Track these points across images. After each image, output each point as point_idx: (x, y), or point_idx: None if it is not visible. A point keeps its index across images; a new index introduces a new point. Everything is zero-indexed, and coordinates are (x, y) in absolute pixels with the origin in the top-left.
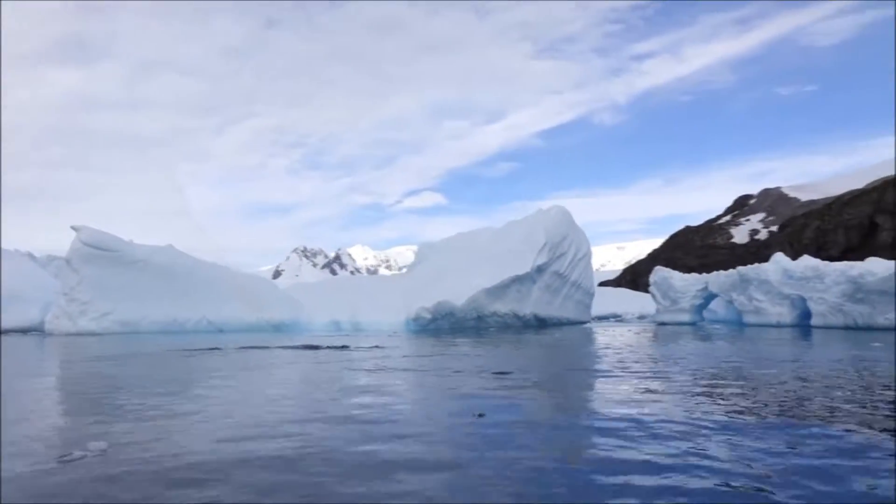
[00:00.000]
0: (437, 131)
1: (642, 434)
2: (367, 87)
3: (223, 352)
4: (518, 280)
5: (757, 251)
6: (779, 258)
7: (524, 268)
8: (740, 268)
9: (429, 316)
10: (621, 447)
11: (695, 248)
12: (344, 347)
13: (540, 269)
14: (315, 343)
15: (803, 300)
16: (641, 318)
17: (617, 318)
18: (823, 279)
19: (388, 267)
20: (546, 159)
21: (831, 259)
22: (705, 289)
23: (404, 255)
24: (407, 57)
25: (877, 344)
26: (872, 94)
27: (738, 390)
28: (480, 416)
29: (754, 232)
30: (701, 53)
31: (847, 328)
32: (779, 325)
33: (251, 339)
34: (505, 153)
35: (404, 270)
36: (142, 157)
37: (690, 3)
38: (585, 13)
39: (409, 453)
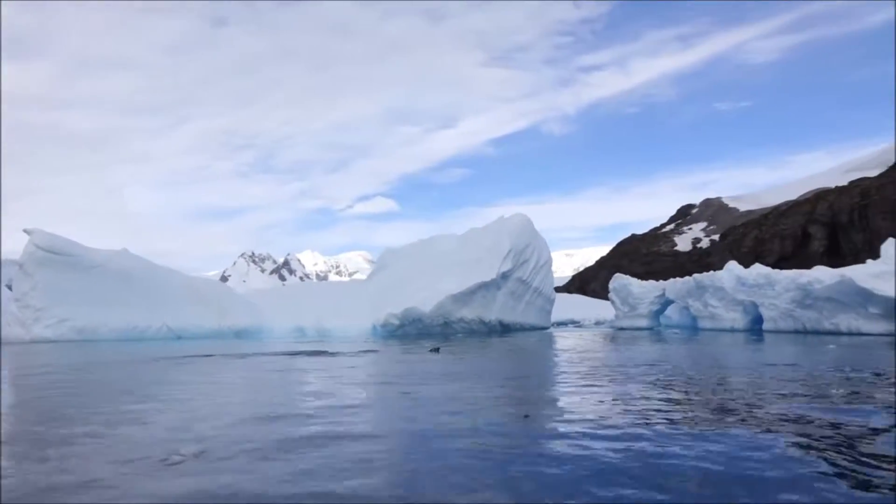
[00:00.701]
0: (390, 136)
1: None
2: (318, 88)
3: (224, 359)
4: (484, 286)
5: (699, 259)
6: (732, 266)
7: (490, 274)
8: (696, 275)
9: (396, 322)
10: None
11: (640, 255)
12: (336, 354)
13: (504, 276)
14: (300, 349)
15: (755, 306)
16: (599, 323)
17: (575, 323)
18: (774, 286)
19: (339, 273)
20: (497, 166)
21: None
22: (662, 295)
23: (354, 260)
24: (359, 59)
25: (831, 346)
26: (803, 110)
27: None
28: (526, 416)
29: (697, 240)
30: (646, 67)
31: (797, 332)
32: (732, 330)
33: (229, 346)
34: (457, 159)
35: (357, 276)
36: (77, 156)
37: (637, 19)
38: (536, 24)
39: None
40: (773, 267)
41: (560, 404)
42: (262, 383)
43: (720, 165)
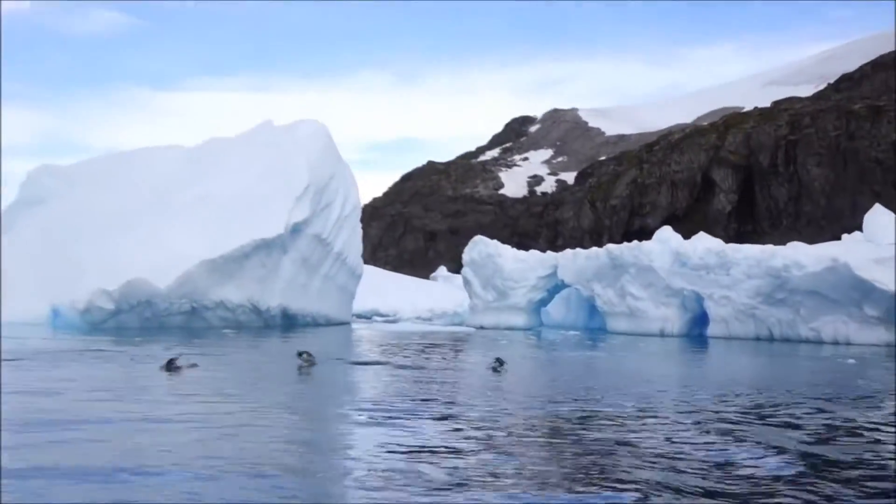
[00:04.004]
0: None
1: None
2: None
3: None
4: (263, 248)
5: (542, 213)
6: (666, 235)
7: (274, 226)
8: (612, 246)
9: (111, 306)
10: None
11: (442, 199)
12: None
13: (296, 231)
14: None
15: (699, 299)
16: (432, 318)
17: (384, 316)
18: (730, 269)
19: None
20: (185, 19)
21: (645, 231)
22: (552, 275)
23: None
24: None
25: (850, 361)
26: None
27: None
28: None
29: (536, 180)
30: None
31: (757, 339)
32: (662, 335)
33: None
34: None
35: None
36: None
37: None
38: None
39: None
40: (653, 231)
41: None
42: None
43: (575, 54)
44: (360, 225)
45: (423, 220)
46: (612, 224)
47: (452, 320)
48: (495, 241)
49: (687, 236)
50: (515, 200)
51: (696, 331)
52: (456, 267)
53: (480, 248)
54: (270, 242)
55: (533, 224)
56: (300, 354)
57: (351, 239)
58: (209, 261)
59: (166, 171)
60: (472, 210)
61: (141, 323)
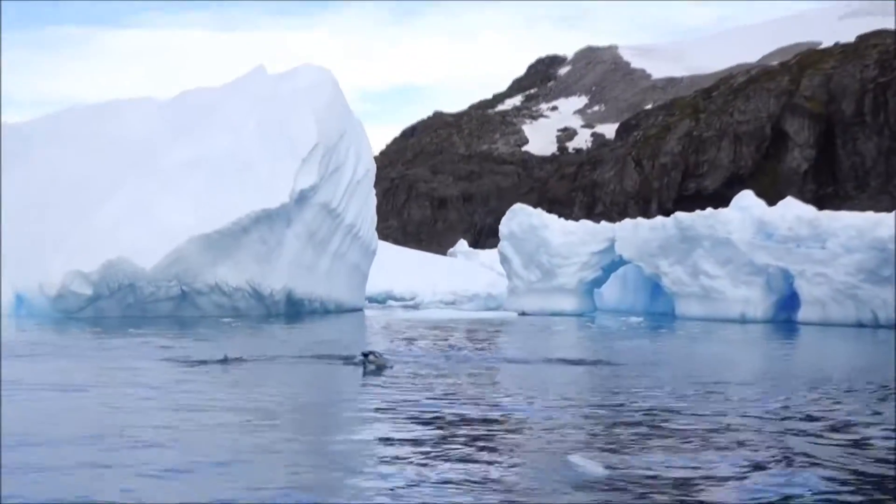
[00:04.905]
0: None
1: None
2: None
3: None
4: (265, 220)
5: (575, 174)
6: (747, 202)
7: (277, 194)
8: (682, 216)
9: (88, 291)
10: None
11: (453, 159)
12: None
13: (302, 200)
14: None
15: (788, 277)
16: (456, 302)
17: (400, 301)
18: (826, 241)
19: None
20: None
21: (702, 195)
22: (608, 250)
23: None
24: None
25: None
26: None
27: None
28: None
29: (567, 134)
30: None
31: (860, 325)
32: (743, 321)
33: None
34: None
35: None
36: None
37: None
38: None
39: None
40: (712, 196)
41: None
42: None
43: None
44: (373, 191)
45: (430, 184)
46: (661, 187)
47: (486, 304)
48: (538, 210)
49: None
50: (543, 159)
51: (784, 315)
52: (473, 240)
53: (521, 218)
54: (273, 214)
55: (565, 188)
56: (366, 356)
57: (364, 209)
58: (202, 236)
59: (142, 130)
60: (490, 171)
61: (123, 310)
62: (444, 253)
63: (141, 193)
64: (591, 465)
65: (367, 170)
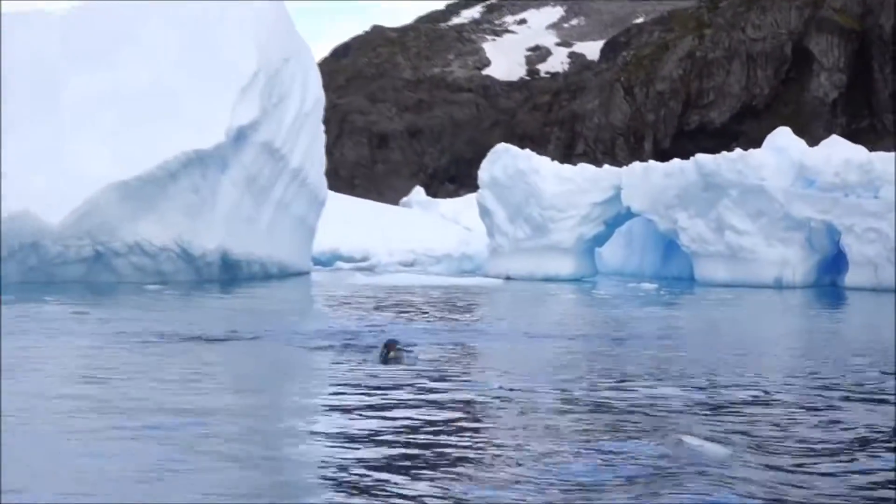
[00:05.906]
0: None
1: None
2: None
3: None
4: (196, 164)
5: (550, 105)
6: (783, 140)
7: (210, 132)
8: (704, 158)
9: None
10: None
11: (397, 85)
12: None
13: (240, 138)
14: None
15: (833, 233)
16: (416, 263)
17: (354, 264)
18: (879, 190)
19: None
20: None
21: (706, 130)
22: (612, 200)
23: None
24: None
25: None
26: None
27: None
28: None
29: (539, 55)
30: None
31: None
32: (779, 286)
33: None
34: None
35: None
36: None
37: None
38: None
39: None
40: (718, 131)
41: None
42: None
43: None
44: (322, 128)
45: (367, 116)
46: (657, 120)
47: (461, 267)
48: (527, 150)
49: None
50: (509, 86)
51: (828, 279)
52: (423, 187)
53: (506, 161)
54: (206, 156)
55: (537, 122)
56: (387, 346)
57: (312, 148)
58: (119, 184)
59: (38, 52)
60: (443, 100)
61: (24, 275)
62: (386, 202)
63: (41, 135)
64: (709, 446)
65: (316, 100)
